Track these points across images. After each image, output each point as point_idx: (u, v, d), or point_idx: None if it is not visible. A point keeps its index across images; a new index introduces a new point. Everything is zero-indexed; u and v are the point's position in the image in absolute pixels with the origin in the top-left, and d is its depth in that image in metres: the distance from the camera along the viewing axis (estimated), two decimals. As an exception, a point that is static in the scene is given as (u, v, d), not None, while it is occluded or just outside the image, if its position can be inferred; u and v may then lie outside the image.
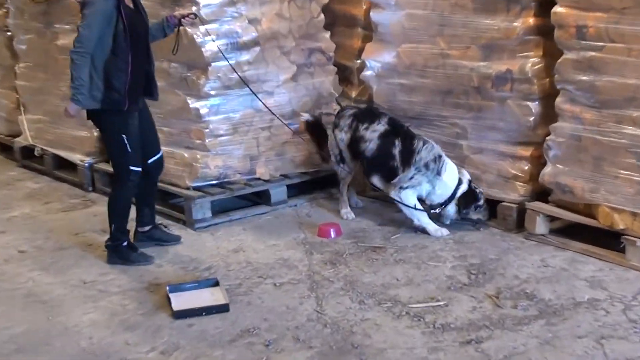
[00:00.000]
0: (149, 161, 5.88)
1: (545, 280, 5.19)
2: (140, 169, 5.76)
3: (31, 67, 8.43)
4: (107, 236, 5.91)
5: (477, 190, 6.11)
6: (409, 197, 6.10)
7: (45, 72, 8.17)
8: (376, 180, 6.31)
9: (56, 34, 7.86)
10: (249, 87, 6.44)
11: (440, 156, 6.06)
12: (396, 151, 6.11)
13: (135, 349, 4.59)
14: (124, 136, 5.62)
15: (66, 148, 8.07)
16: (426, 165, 6.04)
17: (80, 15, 5.48)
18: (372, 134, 6.23)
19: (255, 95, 6.50)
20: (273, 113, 6.60)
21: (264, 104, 6.53)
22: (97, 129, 7.55)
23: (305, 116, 6.83)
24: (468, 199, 6.10)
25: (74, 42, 5.45)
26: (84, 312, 5.11)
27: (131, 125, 5.66)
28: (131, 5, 5.58)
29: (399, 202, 6.14)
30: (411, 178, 6.07)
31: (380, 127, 6.23)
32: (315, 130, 6.81)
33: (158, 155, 5.96)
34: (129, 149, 5.64)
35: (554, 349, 4.33)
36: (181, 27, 5.99)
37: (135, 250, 5.91)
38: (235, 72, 6.36)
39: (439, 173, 6.03)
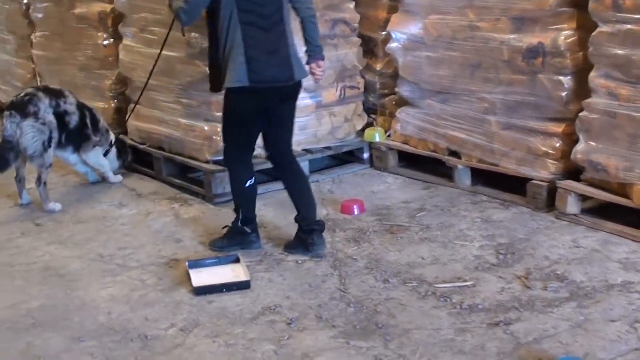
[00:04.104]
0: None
1: (576, 261, 5.05)
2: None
3: (47, 36, 8.33)
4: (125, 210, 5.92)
5: None
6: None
7: (62, 42, 8.08)
8: None
9: (73, 2, 7.76)
10: None
11: None
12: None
13: (155, 325, 4.53)
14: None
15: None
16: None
17: None
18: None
19: None
20: None
21: None
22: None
23: None
24: None
25: None
26: (102, 286, 5.06)
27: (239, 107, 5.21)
28: None
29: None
30: None
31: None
32: None
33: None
34: (227, 127, 5.35)
35: (585, 332, 4.20)
36: None
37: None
38: None
39: None
